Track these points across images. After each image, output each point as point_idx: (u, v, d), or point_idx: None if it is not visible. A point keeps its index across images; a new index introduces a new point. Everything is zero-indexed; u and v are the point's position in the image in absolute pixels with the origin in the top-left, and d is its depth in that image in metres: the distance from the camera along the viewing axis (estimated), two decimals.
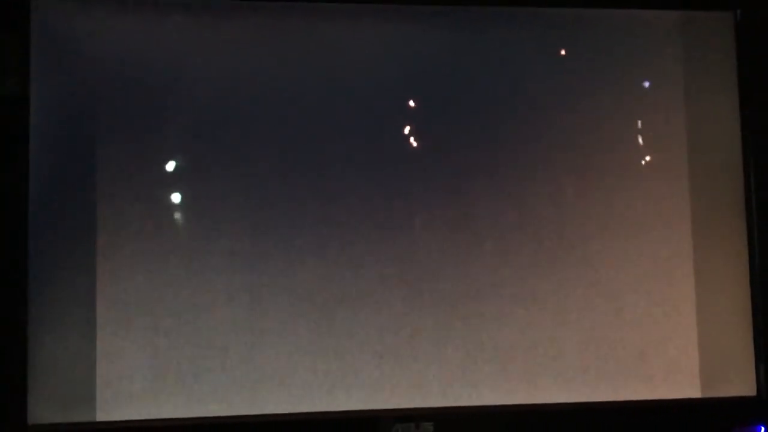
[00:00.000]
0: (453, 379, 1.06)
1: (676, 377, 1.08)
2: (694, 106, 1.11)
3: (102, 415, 1.00)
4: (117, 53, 1.03)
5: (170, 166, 1.04)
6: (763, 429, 1.08)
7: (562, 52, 1.11)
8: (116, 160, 1.03)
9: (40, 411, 0.99)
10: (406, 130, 1.08)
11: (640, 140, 1.11)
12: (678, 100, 1.11)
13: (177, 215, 1.04)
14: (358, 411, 1.04)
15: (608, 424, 1.07)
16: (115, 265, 1.01)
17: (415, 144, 1.08)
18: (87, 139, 1.02)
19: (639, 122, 1.11)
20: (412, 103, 1.08)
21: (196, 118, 1.05)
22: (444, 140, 1.08)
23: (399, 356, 1.05)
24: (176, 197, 1.04)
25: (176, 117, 1.04)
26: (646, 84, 1.12)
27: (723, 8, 1.12)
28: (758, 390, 1.09)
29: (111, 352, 1.00)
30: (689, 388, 1.08)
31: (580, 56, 1.11)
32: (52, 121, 1.02)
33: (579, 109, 1.10)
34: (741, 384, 1.09)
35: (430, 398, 1.05)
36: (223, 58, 1.05)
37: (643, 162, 1.11)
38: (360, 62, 1.08)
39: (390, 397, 1.04)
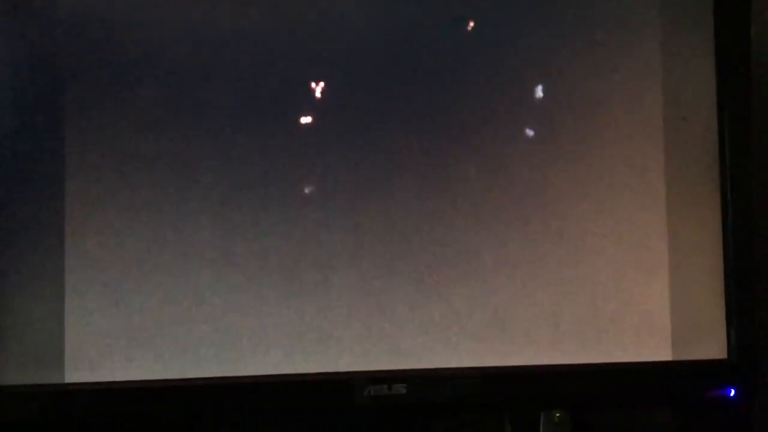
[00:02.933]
0: (426, 342, 1.06)
1: (647, 340, 1.09)
2: (672, 81, 1.11)
3: (71, 377, 0.99)
4: (87, 16, 1.01)
5: (141, 128, 1.02)
6: (732, 392, 1.09)
7: (540, 17, 1.09)
8: (86, 123, 1.01)
9: (7, 373, 0.98)
10: (384, 102, 1.07)
11: (617, 105, 1.10)
12: (656, 74, 1.10)
13: (147, 177, 1.02)
14: (330, 373, 1.04)
15: (580, 387, 1.08)
16: (84, 224, 1.00)
17: (390, 107, 1.07)
18: (54, 108, 1.00)
19: (615, 86, 1.10)
20: (388, 66, 1.07)
21: (172, 93, 1.03)
22: (420, 103, 1.07)
23: (372, 318, 1.05)
24: (147, 159, 1.02)
25: (150, 91, 1.02)
26: (625, 59, 1.10)
27: None
28: (729, 353, 1.10)
29: (80, 313, 1.00)
30: (660, 351, 1.09)
31: (558, 34, 1.09)
32: (16, 86, 1.00)
33: (555, 73, 1.09)
34: (712, 347, 1.10)
35: (403, 360, 1.05)
36: (200, 22, 1.03)
37: (617, 130, 1.10)
38: (344, 30, 1.06)
39: (363, 359, 1.04)
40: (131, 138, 1.02)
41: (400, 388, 1.03)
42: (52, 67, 1.00)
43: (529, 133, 1.09)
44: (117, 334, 1.00)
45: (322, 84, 1.06)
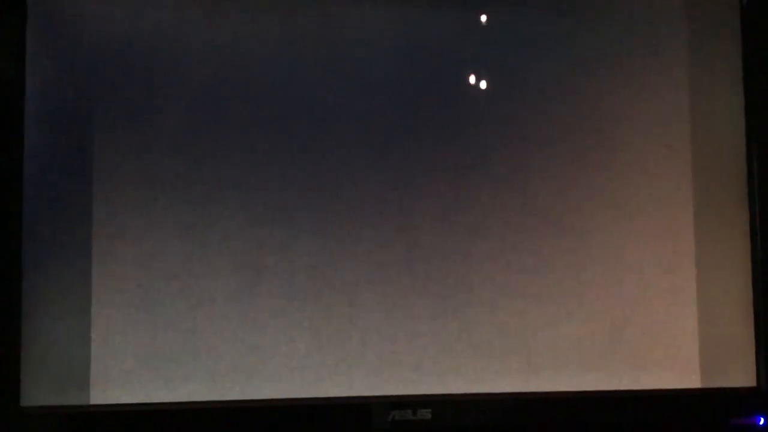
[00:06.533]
0: (451, 366, 1.05)
1: (675, 367, 1.08)
2: (698, 91, 1.10)
3: (96, 398, 0.99)
4: (116, 35, 1.02)
5: (169, 149, 1.03)
6: (762, 420, 1.07)
7: (563, 38, 1.10)
8: (114, 143, 1.01)
9: (33, 393, 0.98)
10: (406, 117, 1.07)
11: (643, 126, 1.10)
12: (682, 84, 1.10)
13: (174, 199, 1.02)
14: (353, 397, 1.03)
15: (607, 414, 1.06)
16: (111, 246, 1.00)
17: (415, 131, 1.07)
18: (84, 124, 1.01)
19: (641, 107, 1.10)
20: (412, 90, 1.07)
21: (196, 102, 1.03)
22: (444, 127, 1.07)
23: (396, 342, 1.04)
24: (173, 181, 1.03)
25: (175, 101, 1.03)
26: (650, 68, 1.10)
27: None
28: (758, 381, 1.08)
29: (106, 334, 1.00)
30: (689, 378, 1.08)
31: (581, 41, 1.10)
32: (47, 104, 1.00)
33: (581, 94, 1.09)
34: (741, 374, 1.09)
35: (427, 385, 1.04)
36: (225, 42, 1.04)
37: (645, 148, 1.10)
38: (361, 46, 1.06)
39: (386, 384, 1.04)
40: (158, 164, 1.02)
41: (425, 413, 1.02)
42: (81, 90, 1.01)
43: (554, 158, 1.08)
44: (142, 356, 1.00)
45: (347, 112, 1.06)
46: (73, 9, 1.01)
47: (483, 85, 1.08)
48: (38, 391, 0.98)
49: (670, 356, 1.08)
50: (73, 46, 1.01)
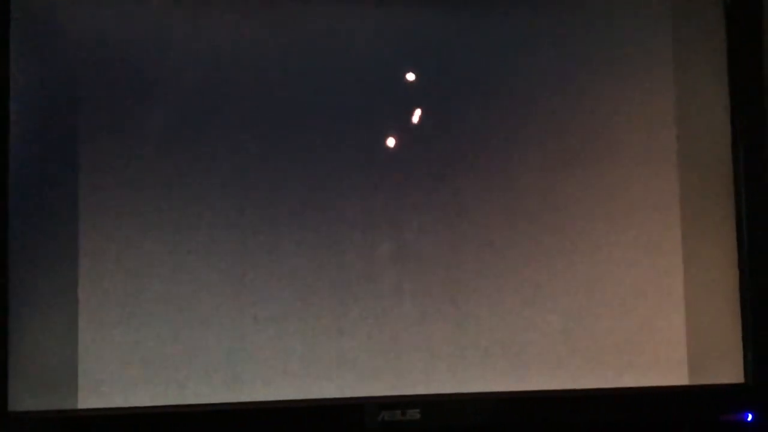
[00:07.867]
0: (439, 367, 1.05)
1: (663, 364, 1.08)
2: (684, 90, 1.11)
3: (84, 402, 0.99)
4: (101, 36, 1.02)
5: (156, 152, 1.02)
6: (750, 416, 1.08)
7: (550, 38, 1.10)
8: (99, 146, 1.01)
9: (21, 397, 0.98)
10: (394, 117, 1.07)
11: (629, 125, 1.10)
12: (667, 84, 1.11)
13: (160, 203, 1.02)
14: (342, 398, 1.03)
15: (595, 411, 1.06)
16: (98, 250, 1.00)
17: (403, 131, 1.07)
18: (70, 126, 1.01)
19: (628, 107, 1.10)
20: (400, 89, 1.07)
21: (183, 105, 1.03)
22: (432, 126, 1.07)
23: (384, 343, 1.04)
24: (160, 185, 1.02)
25: (163, 103, 1.03)
26: (637, 68, 1.10)
27: None
28: (746, 377, 1.09)
29: (93, 338, 0.99)
30: (677, 375, 1.08)
31: (568, 42, 1.10)
32: (32, 107, 1.00)
33: (569, 94, 1.09)
34: (729, 371, 1.09)
35: (416, 385, 1.04)
36: (211, 41, 1.04)
37: (631, 147, 1.10)
38: (351, 46, 1.06)
39: (375, 385, 1.04)
40: (145, 168, 1.02)
41: (414, 414, 1.03)
42: (67, 92, 1.01)
43: (542, 158, 1.09)
44: (131, 359, 1.00)
45: (335, 115, 1.06)
46: (58, 11, 1.01)
47: (474, 85, 1.08)
48: (26, 396, 0.98)
49: (659, 354, 1.08)
50: (60, 48, 1.01)
